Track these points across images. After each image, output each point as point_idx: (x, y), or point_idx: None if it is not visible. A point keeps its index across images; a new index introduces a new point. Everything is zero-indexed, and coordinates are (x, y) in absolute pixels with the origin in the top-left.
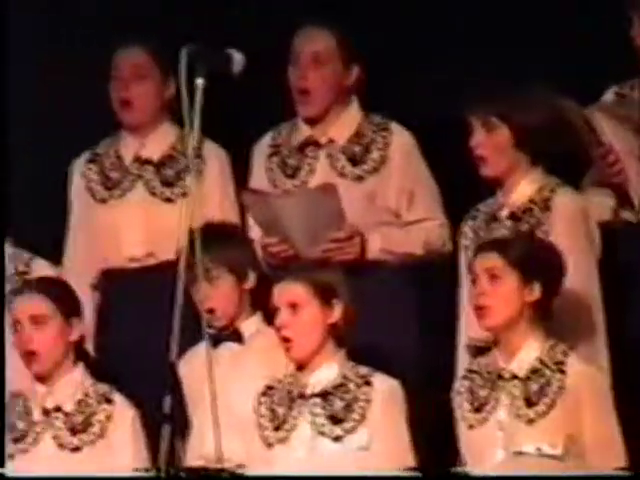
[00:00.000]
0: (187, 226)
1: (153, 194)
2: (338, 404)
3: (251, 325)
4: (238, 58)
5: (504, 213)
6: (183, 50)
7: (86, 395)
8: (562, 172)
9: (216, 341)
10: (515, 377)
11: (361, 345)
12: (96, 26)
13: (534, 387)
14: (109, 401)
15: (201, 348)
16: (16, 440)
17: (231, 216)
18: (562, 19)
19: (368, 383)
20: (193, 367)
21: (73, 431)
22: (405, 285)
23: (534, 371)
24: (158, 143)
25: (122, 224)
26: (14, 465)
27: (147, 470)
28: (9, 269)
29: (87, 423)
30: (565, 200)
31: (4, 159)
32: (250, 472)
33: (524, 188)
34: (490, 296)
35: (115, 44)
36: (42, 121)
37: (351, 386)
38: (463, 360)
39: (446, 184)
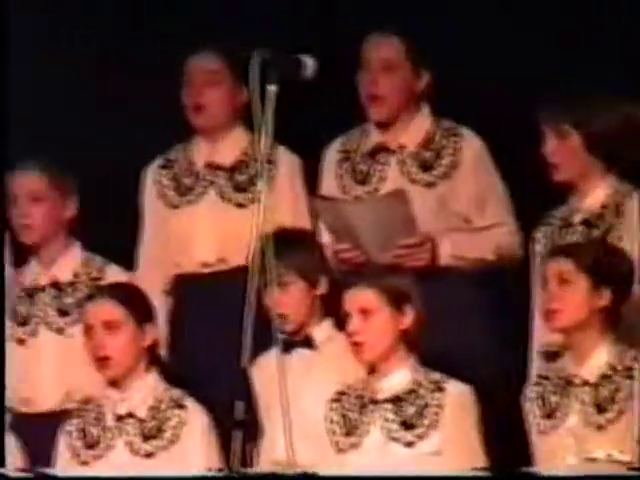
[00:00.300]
0: (259, 231)
1: (225, 199)
2: (410, 410)
3: (323, 331)
4: (310, 63)
5: (577, 219)
6: (255, 56)
7: (159, 401)
8: (635, 178)
9: (288, 347)
10: (586, 383)
11: (433, 350)
12: (169, 32)
13: (604, 393)
14: (182, 407)
15: (273, 353)
16: (89, 446)
17: (302, 221)
18: (634, 26)
19: (440, 389)
20: (265, 372)
21: (146, 437)
22: (476, 291)
23: (604, 377)
24: (230, 148)
25: (194, 229)
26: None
27: (220, 470)
28: (82, 275)
29: (160, 429)
30: (638, 206)
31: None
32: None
33: (597, 194)
34: (560, 300)
35: (188, 50)
36: (112, 125)
37: (423, 392)
38: (534, 366)
39: (517, 190)
